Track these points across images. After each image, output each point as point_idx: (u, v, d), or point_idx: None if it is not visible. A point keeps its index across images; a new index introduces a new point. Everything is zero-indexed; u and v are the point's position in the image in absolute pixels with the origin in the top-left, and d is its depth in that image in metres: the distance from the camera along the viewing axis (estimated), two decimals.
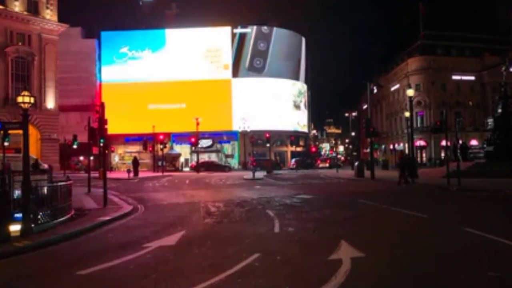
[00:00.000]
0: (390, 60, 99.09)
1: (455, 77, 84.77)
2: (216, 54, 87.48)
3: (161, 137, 69.63)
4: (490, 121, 43.88)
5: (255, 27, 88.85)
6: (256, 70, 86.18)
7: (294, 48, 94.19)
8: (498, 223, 14.74)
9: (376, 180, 37.66)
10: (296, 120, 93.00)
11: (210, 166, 71.35)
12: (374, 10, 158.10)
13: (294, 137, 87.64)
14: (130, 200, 24.48)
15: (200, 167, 69.41)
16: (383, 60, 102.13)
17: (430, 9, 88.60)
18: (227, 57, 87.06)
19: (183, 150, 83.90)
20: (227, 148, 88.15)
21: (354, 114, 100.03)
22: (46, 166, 42.44)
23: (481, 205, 20.52)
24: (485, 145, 43.45)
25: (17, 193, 14.49)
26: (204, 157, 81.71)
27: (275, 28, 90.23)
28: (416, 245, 11.51)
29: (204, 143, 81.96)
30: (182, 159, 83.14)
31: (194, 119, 70.07)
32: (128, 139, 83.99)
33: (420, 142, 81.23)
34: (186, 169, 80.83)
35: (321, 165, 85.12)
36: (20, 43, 61.32)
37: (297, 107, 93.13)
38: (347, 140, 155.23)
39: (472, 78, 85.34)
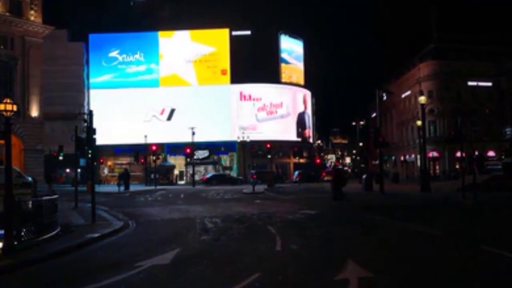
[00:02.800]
0: (401, 65, 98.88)
1: (470, 83, 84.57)
2: (213, 58, 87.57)
3: (154, 147, 69.62)
4: (508, 130, 44.02)
5: (255, 30, 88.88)
6: (256, 75, 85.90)
7: (297, 52, 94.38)
8: None
9: (386, 194, 37.63)
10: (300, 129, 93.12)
11: (222, 179, 71.71)
12: (383, 12, 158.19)
13: (297, 147, 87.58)
14: (120, 215, 24.50)
15: (212, 180, 69.80)
16: (393, 65, 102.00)
17: (443, 10, 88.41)
18: (225, 62, 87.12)
19: (177, 162, 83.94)
20: (225, 159, 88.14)
21: (362, 123, 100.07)
22: (29, 179, 42.35)
23: (499, 221, 20.49)
24: (503, 157, 43.55)
25: None
26: (201, 169, 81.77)
27: (276, 31, 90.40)
28: (429, 264, 11.50)
29: (200, 154, 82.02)
30: (176, 172, 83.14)
31: (190, 129, 70.09)
32: (118, 150, 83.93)
33: (433, 153, 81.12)
34: (181, 182, 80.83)
35: (326, 178, 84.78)
36: (2, 47, 61.30)
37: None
38: (354, 151, 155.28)
39: (489, 84, 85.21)
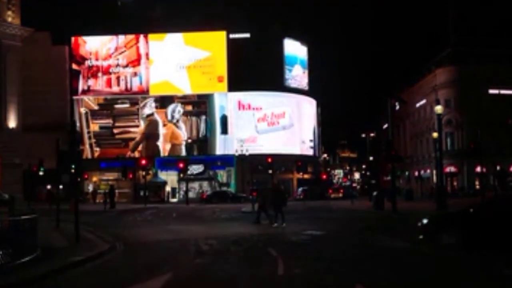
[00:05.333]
0: (415, 71, 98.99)
1: (492, 91, 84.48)
2: (209, 64, 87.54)
3: (144, 162, 69.59)
4: None
5: (255, 32, 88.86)
6: (256, 82, 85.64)
7: (301, 58, 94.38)
8: None
9: (399, 213, 37.64)
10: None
11: (223, 197, 71.72)
12: (396, 13, 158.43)
13: (301, 162, 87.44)
14: (106, 237, 24.45)
15: (212, 197, 69.85)
16: (406, 71, 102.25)
17: (462, 11, 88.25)
18: (222, 68, 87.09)
19: (169, 178, 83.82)
20: (222, 175, 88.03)
21: (372, 135, 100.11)
22: (7, 196, 42.39)
23: None
24: None
25: None
26: (195, 186, 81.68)
27: (279, 33, 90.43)
28: None
29: (195, 169, 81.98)
30: (168, 188, 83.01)
31: (183, 141, 70.11)
32: (104, 164, 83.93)
33: (450, 168, 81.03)
34: (174, 199, 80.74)
35: (333, 196, 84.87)
36: None
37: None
38: (364, 166, 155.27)
39: None
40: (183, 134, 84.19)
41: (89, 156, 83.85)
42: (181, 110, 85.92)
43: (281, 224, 28.64)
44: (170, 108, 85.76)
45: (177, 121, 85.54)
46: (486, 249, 16.47)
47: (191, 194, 75.09)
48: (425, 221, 19.22)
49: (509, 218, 16.71)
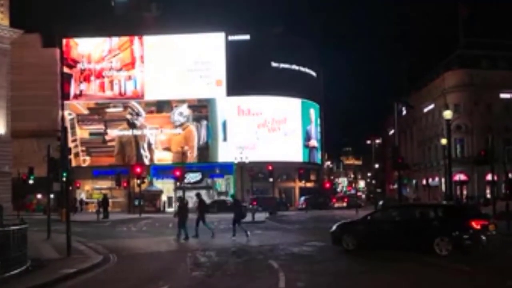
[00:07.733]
0: (423, 74, 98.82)
1: (503, 95, 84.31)
2: (207, 67, 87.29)
3: (138, 170, 69.50)
4: None
5: (254, 34, 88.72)
6: (257, 86, 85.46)
7: (303, 59, 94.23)
8: None
9: None
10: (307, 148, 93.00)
11: (223, 206, 71.44)
12: (403, 14, 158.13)
13: (303, 170, 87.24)
14: (99, 248, 24.49)
15: (210, 207, 69.69)
16: (414, 75, 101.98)
17: (472, 12, 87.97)
18: (220, 71, 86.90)
19: (165, 186, 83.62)
20: (220, 183, 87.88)
21: (378, 141, 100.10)
22: None
23: None
24: None
25: None
26: (192, 195, 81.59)
27: (279, 35, 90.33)
28: None
29: (192, 177, 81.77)
30: (164, 198, 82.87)
31: (179, 148, 69.93)
32: (97, 172, 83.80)
33: (460, 176, 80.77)
34: (170, 209, 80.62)
35: (337, 205, 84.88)
36: None
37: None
38: (369, 174, 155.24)
39: None
40: (186, 139, 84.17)
41: (74, 165, 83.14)
42: (185, 112, 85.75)
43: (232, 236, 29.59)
44: (174, 111, 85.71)
45: (181, 124, 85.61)
46: (373, 249, 20.31)
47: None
48: (334, 227, 22.77)
49: (390, 224, 21.22)
